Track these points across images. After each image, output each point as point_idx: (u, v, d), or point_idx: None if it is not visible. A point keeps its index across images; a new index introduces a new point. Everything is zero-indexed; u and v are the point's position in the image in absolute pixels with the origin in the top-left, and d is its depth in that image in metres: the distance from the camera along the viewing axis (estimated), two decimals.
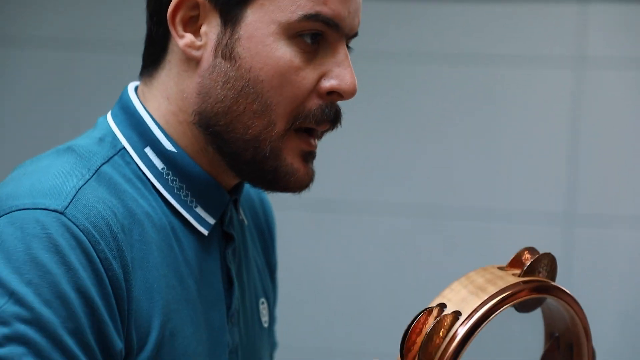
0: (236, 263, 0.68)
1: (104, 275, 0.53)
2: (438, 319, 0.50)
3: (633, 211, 1.92)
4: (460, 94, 1.86)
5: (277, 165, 0.62)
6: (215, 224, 0.64)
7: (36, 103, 1.88)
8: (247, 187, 0.76)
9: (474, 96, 1.85)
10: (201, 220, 0.63)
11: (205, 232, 0.63)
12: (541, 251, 0.56)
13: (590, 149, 1.88)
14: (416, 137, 1.90)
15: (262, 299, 0.75)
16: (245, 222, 0.74)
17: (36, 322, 0.49)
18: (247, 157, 0.61)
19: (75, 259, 0.51)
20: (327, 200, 1.97)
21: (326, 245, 1.95)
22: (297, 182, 0.64)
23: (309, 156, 0.65)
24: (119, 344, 0.52)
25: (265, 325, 0.74)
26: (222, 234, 0.66)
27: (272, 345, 0.83)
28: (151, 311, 0.56)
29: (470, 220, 1.91)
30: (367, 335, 1.80)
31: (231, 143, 0.61)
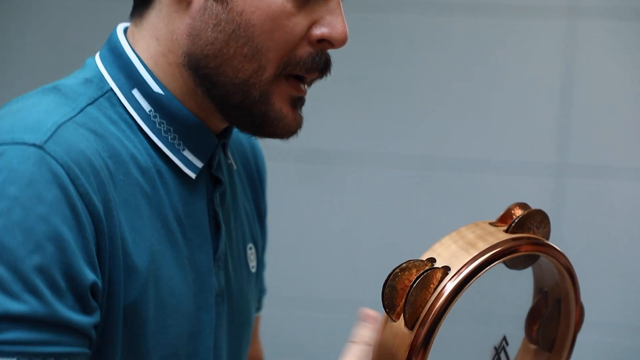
0: (224, 207, 0.68)
1: (81, 210, 0.52)
2: (426, 273, 0.50)
3: (625, 162, 1.93)
4: (452, 44, 1.84)
5: (265, 110, 0.61)
6: (203, 167, 0.64)
7: (31, 47, 1.86)
8: (238, 133, 0.76)
9: (466, 46, 1.83)
10: (188, 163, 0.63)
11: (192, 175, 0.63)
12: (532, 204, 0.56)
13: (583, 99, 1.87)
14: (408, 88, 1.89)
15: (250, 245, 0.75)
16: (235, 166, 0.74)
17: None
18: (236, 100, 0.61)
19: (49, 193, 0.51)
20: (319, 151, 1.96)
21: (317, 196, 1.96)
22: (285, 128, 0.64)
23: (298, 102, 0.64)
24: (90, 276, 0.52)
25: (253, 270, 0.75)
26: (210, 178, 0.66)
27: (261, 291, 0.84)
28: (135, 251, 0.56)
29: (462, 172, 1.91)
30: (357, 286, 1.82)
31: (220, 86, 0.61)
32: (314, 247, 1.88)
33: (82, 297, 0.52)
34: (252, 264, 0.75)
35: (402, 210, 1.87)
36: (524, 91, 1.86)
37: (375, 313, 0.52)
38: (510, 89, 1.86)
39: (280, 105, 0.62)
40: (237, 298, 0.70)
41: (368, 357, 0.51)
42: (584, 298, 0.58)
